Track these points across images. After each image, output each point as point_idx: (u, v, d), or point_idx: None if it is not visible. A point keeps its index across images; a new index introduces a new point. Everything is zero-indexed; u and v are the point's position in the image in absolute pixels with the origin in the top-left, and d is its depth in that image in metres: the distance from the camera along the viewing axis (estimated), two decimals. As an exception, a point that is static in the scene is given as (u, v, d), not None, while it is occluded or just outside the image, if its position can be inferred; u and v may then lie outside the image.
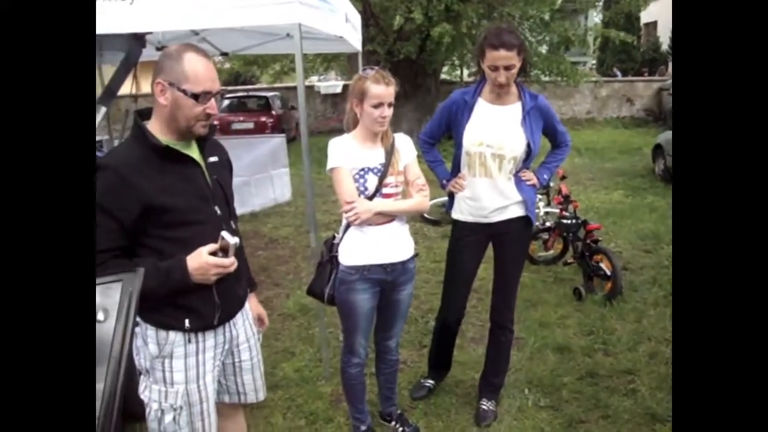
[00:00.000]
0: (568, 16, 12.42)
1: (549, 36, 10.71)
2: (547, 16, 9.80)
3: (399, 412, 2.78)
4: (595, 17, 17.24)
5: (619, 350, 3.47)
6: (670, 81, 15.13)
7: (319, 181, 5.55)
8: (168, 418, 1.70)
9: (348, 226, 2.32)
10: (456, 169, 2.69)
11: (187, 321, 1.67)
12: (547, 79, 10.79)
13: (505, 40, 2.37)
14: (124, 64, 3.71)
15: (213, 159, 1.78)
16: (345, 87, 14.99)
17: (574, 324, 3.85)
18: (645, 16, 20.02)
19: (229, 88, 16.43)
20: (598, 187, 8.26)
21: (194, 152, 1.73)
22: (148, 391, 1.72)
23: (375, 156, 2.28)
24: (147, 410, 1.72)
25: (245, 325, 1.90)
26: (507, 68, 2.40)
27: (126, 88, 4.03)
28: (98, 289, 0.98)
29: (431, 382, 3.09)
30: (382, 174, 2.26)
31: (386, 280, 2.36)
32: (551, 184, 4.57)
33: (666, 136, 8.49)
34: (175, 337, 1.68)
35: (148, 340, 1.68)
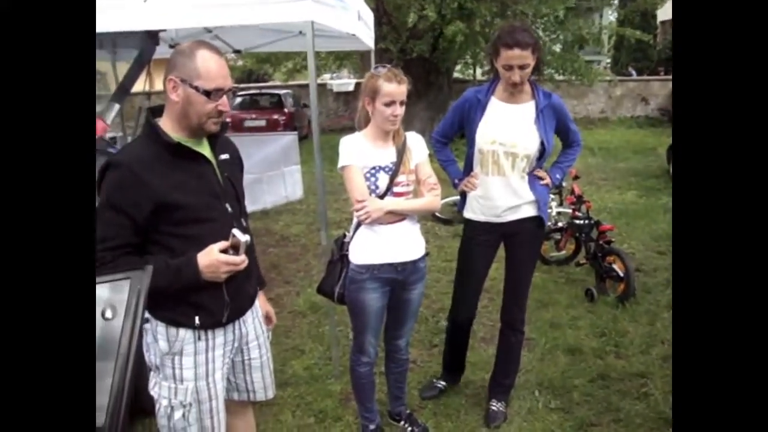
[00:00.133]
0: (583, 14, 12.33)
1: (563, 34, 10.63)
2: (561, 14, 9.71)
3: (408, 411, 2.78)
4: (610, 15, 17.10)
5: (632, 353, 3.44)
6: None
7: (331, 179, 5.54)
8: (177, 414, 1.70)
9: (359, 224, 2.32)
10: (468, 168, 2.68)
11: (197, 318, 1.67)
12: (560, 77, 10.71)
13: (519, 38, 2.35)
14: (137, 62, 3.73)
15: (224, 156, 1.78)
16: (357, 85, 15.03)
17: (585, 325, 3.82)
18: (662, 14, 19.76)
19: (242, 85, 16.47)
20: (612, 188, 8.19)
21: (205, 149, 1.73)
22: (157, 388, 1.72)
23: (386, 154, 2.27)
24: (157, 406, 1.73)
25: (255, 322, 1.90)
26: (521, 67, 2.38)
27: (140, 85, 4.05)
28: (107, 286, 0.98)
29: (443, 383, 3.08)
30: (394, 173, 2.25)
31: (397, 280, 2.35)
32: (564, 184, 4.54)
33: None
34: (185, 334, 1.69)
35: (159, 337, 1.69)
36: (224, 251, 1.62)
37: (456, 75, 13.35)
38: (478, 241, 2.71)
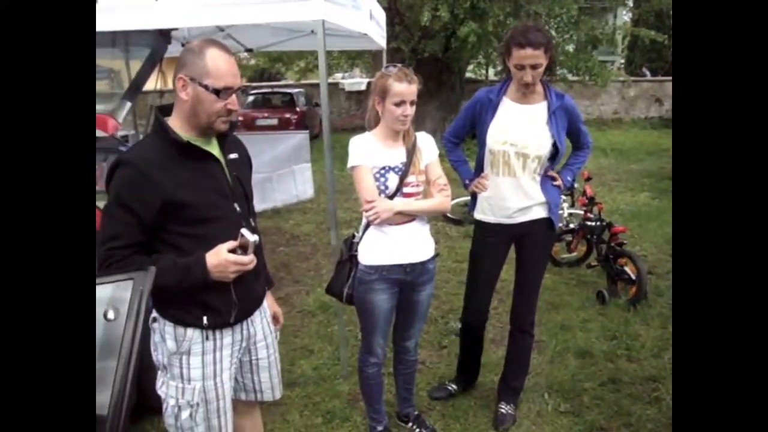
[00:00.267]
0: (597, 14, 12.22)
1: (576, 34, 10.54)
2: (575, 14, 9.63)
3: (416, 413, 2.76)
4: (624, 15, 16.95)
5: (643, 356, 3.40)
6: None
7: (342, 179, 5.54)
8: (185, 414, 1.70)
9: (368, 225, 2.30)
10: (479, 169, 2.66)
11: (205, 318, 1.67)
12: (573, 78, 10.63)
13: (531, 38, 2.32)
14: (149, 60, 3.76)
15: (233, 156, 1.77)
16: (369, 84, 15.00)
17: (596, 328, 3.78)
18: (676, 15, 19.56)
19: (254, 84, 16.55)
20: (624, 189, 8.12)
21: (214, 149, 1.72)
22: (165, 387, 1.72)
23: (396, 155, 2.25)
24: (164, 406, 1.73)
25: (263, 323, 1.90)
26: (533, 67, 2.36)
27: (152, 83, 4.08)
28: (110, 287, 0.98)
29: (455, 387, 3.05)
30: (403, 173, 2.24)
31: (405, 281, 2.33)
32: (576, 185, 4.50)
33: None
34: (193, 334, 1.68)
35: (166, 337, 1.69)
36: (233, 251, 1.61)
37: (468, 75, 13.29)
38: (488, 243, 2.69)
